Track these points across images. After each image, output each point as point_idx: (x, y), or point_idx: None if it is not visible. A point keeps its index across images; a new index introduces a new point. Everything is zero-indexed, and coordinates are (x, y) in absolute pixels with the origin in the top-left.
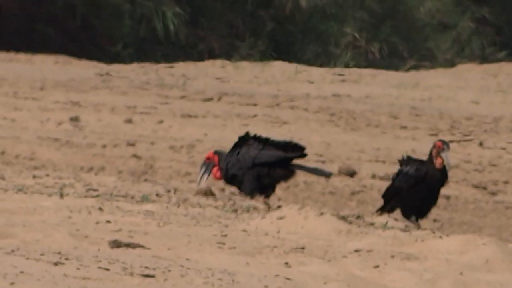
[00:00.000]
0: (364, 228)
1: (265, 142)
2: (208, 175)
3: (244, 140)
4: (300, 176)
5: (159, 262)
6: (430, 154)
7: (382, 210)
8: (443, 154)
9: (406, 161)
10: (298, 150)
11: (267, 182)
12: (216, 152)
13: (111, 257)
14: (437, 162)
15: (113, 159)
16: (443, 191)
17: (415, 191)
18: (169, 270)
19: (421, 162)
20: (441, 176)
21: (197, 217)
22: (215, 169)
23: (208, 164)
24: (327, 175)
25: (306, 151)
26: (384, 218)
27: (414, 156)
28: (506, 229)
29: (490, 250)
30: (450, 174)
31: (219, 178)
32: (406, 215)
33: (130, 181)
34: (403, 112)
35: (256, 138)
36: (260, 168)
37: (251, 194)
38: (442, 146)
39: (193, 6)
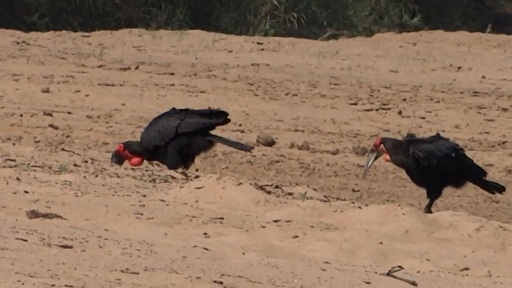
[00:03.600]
0: (283, 198)
1: (187, 112)
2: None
3: (164, 112)
4: (218, 146)
5: (77, 233)
6: None
7: None
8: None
9: None
10: (221, 116)
11: (189, 152)
12: (126, 146)
13: (28, 227)
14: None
15: (30, 129)
16: (362, 160)
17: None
18: (87, 241)
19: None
20: (415, 164)
21: (115, 187)
22: (132, 160)
23: (118, 157)
24: (248, 149)
25: (229, 117)
26: (303, 188)
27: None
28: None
29: (410, 220)
30: (369, 142)
31: (138, 163)
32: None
33: (48, 151)
34: (322, 81)
35: (176, 110)
36: (183, 138)
37: (173, 166)
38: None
39: None
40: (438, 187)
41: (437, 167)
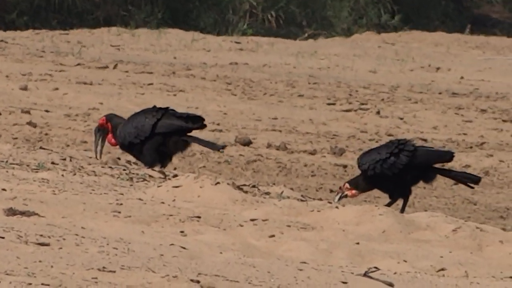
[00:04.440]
0: (260, 198)
1: (165, 112)
2: (103, 145)
3: (143, 109)
4: (196, 146)
5: (54, 230)
6: None
7: None
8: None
9: None
10: (198, 121)
11: (165, 152)
12: (108, 118)
13: (6, 225)
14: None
15: (8, 126)
16: (339, 160)
17: None
18: (64, 239)
19: None
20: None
21: (92, 185)
22: (109, 136)
23: (101, 131)
24: (219, 149)
25: (205, 122)
26: (280, 188)
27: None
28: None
29: (387, 220)
30: (347, 143)
31: (114, 144)
32: None
33: (25, 148)
34: (300, 81)
35: (155, 108)
36: (158, 137)
37: (150, 165)
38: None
39: None
40: (403, 187)
41: (384, 171)
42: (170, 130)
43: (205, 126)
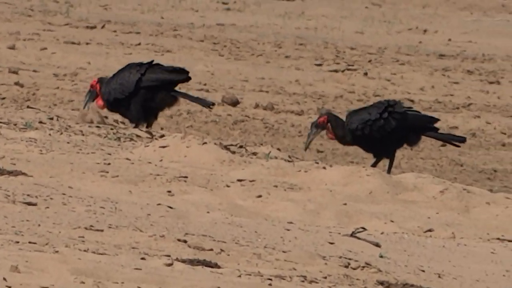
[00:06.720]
0: (247, 158)
1: (148, 66)
2: (91, 103)
3: (128, 64)
4: (183, 105)
5: (41, 190)
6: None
7: None
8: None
9: None
10: (182, 73)
11: (153, 107)
12: (99, 79)
13: None
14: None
15: None
16: None
17: None
18: (51, 198)
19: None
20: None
21: (80, 144)
22: (98, 99)
23: (91, 92)
24: (209, 105)
25: (190, 75)
26: (267, 148)
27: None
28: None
29: (374, 181)
30: (334, 104)
31: (102, 106)
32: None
33: (13, 108)
34: (287, 42)
35: (139, 63)
36: (144, 92)
37: (137, 121)
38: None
39: None
40: (388, 148)
41: (373, 133)
42: (155, 84)
43: (189, 78)
